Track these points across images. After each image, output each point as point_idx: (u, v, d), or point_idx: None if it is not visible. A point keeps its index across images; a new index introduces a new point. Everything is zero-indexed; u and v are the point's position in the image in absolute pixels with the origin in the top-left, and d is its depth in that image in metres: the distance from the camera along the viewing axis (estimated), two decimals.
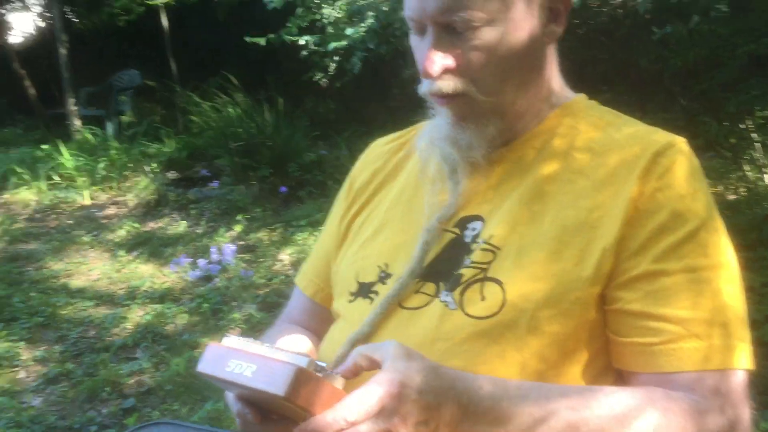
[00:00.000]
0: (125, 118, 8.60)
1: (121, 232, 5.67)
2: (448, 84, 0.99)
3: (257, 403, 0.89)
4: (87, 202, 6.51)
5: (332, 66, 4.83)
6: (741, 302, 0.94)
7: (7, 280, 4.69)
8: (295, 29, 4.66)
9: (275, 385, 0.77)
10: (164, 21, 8.22)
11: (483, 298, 0.97)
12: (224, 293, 4.27)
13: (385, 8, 4.10)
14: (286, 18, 4.77)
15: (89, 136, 7.58)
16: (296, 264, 4.55)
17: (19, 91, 10.37)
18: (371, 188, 1.22)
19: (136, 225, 5.81)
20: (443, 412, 0.83)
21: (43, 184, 6.70)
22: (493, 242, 1.00)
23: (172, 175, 6.79)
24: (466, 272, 1.00)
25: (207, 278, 4.50)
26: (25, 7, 12.30)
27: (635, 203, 0.95)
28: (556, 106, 1.09)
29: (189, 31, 9.51)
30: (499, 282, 0.97)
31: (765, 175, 4.42)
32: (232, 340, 0.87)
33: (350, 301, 1.12)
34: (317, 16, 4.65)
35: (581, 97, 1.12)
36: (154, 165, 6.92)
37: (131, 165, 6.97)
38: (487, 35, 0.97)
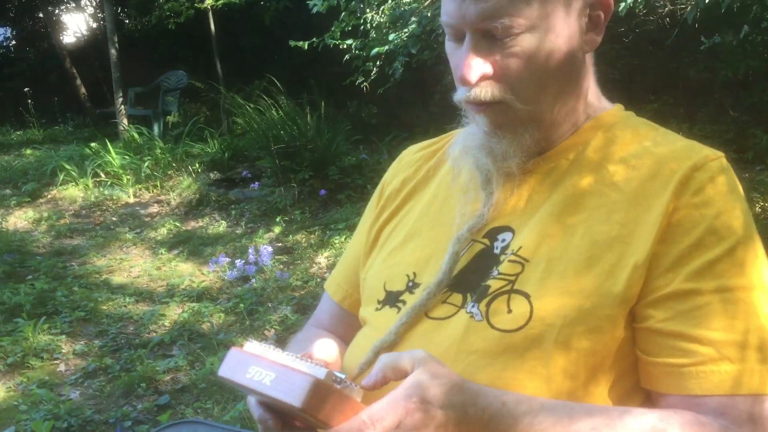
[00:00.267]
0: (171, 119, 8.76)
1: (163, 231, 5.77)
2: (486, 91, 0.97)
3: (278, 410, 0.89)
4: (131, 199, 6.64)
5: (374, 70, 4.84)
6: None
7: (51, 274, 4.81)
8: (339, 33, 4.69)
9: (293, 395, 0.77)
10: (212, 24, 8.34)
11: (509, 311, 0.95)
12: (260, 294, 4.30)
13: (428, 13, 4.09)
14: (330, 22, 4.81)
15: (136, 136, 7.74)
16: (332, 267, 4.56)
17: (71, 90, 10.69)
18: (402, 196, 1.21)
19: (178, 224, 5.90)
20: (463, 427, 0.81)
21: (89, 181, 6.86)
22: (522, 254, 0.98)
23: (214, 175, 6.88)
24: (494, 284, 0.98)
25: (244, 278, 4.55)
26: (79, 8, 12.62)
27: (669, 218, 0.92)
28: (592, 117, 1.06)
29: (235, 34, 9.67)
30: (526, 295, 0.95)
31: None
32: (254, 346, 0.87)
33: (377, 309, 1.11)
34: (360, 21, 4.67)
35: (618, 108, 1.09)
36: (197, 165, 7.03)
37: (175, 165, 7.09)
38: (527, 42, 0.95)
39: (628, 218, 0.94)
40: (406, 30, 4.20)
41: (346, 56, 4.85)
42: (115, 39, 8.44)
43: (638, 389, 0.94)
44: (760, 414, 0.86)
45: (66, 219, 6.20)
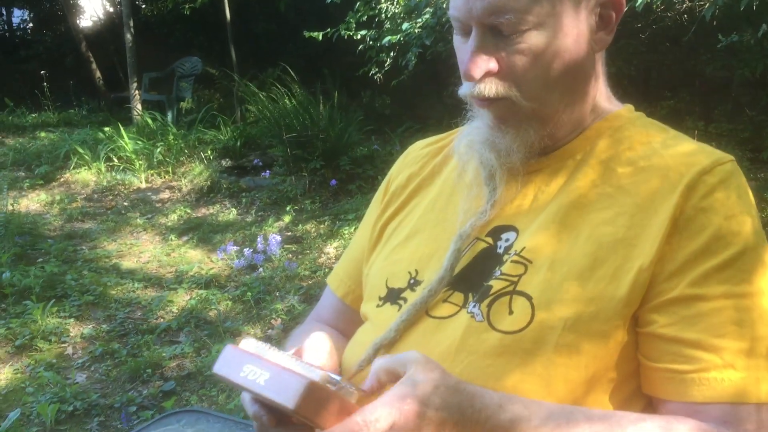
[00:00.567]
0: (185, 105, 8.77)
1: (174, 217, 5.79)
2: (491, 88, 0.96)
3: (272, 408, 0.88)
4: (143, 185, 6.66)
5: (388, 61, 4.82)
6: None
7: (62, 258, 4.84)
8: (353, 24, 4.67)
9: (286, 396, 0.76)
10: (227, 10, 8.34)
11: (511, 312, 0.94)
12: (268, 283, 4.31)
13: (443, 4, 4.06)
14: (345, 10, 4.79)
15: (149, 121, 7.75)
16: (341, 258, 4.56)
17: (86, 74, 10.71)
18: (407, 192, 1.20)
19: (188, 210, 5.92)
20: (459, 429, 0.80)
21: (102, 166, 6.89)
22: (526, 255, 0.97)
23: (226, 162, 6.89)
24: (496, 284, 0.97)
25: (252, 267, 4.55)
26: None
27: (675, 222, 0.90)
28: (601, 117, 1.04)
29: (250, 20, 9.66)
30: (528, 296, 0.94)
31: None
32: (250, 344, 0.87)
33: (378, 306, 1.10)
34: (375, 11, 4.64)
35: (627, 109, 1.07)
36: (209, 152, 7.04)
37: (187, 151, 7.11)
38: (534, 39, 0.93)
39: (635, 221, 0.92)
40: (419, 20, 4.17)
41: (360, 46, 4.82)
42: (131, 24, 8.45)
43: (639, 394, 0.93)
44: (764, 423, 0.84)
45: (78, 203, 6.24)
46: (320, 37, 4.77)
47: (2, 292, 4.11)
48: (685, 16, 3.81)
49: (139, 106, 8.44)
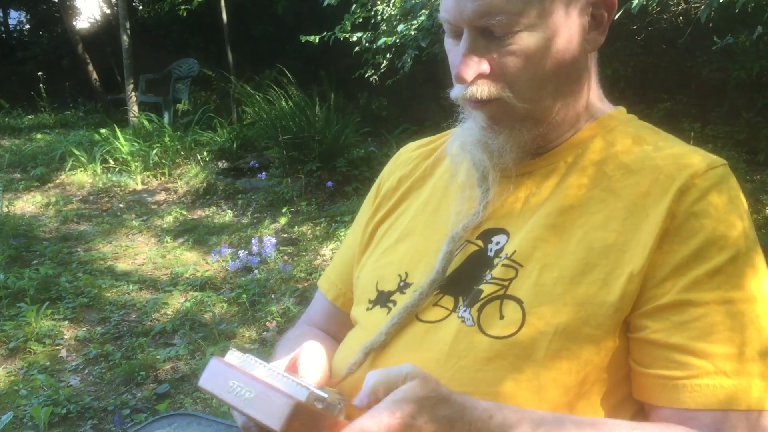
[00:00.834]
0: (181, 106, 8.75)
1: (169, 219, 5.77)
2: (482, 89, 0.95)
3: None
4: (139, 187, 6.65)
5: (384, 63, 4.81)
6: None
7: (56, 260, 4.82)
8: (349, 26, 4.66)
9: (272, 418, 0.76)
10: (224, 12, 8.33)
11: (501, 317, 0.93)
12: (263, 285, 4.29)
13: (438, 7, 4.05)
14: (342, 13, 4.78)
15: (145, 122, 7.74)
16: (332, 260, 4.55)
17: (82, 76, 10.71)
18: (398, 194, 1.19)
19: (184, 212, 5.90)
20: None
21: (98, 167, 6.87)
22: (516, 258, 0.96)
23: (222, 164, 6.88)
24: (486, 288, 0.96)
25: (247, 269, 4.54)
26: None
27: (667, 226, 0.89)
28: (593, 119, 1.03)
29: (247, 23, 9.65)
30: (519, 301, 0.93)
31: None
32: (235, 357, 0.86)
33: (368, 309, 1.09)
34: (371, 13, 4.64)
35: (620, 111, 1.06)
36: (206, 154, 7.03)
37: (183, 153, 7.09)
38: (526, 40, 0.92)
39: (626, 226, 0.91)
40: (415, 22, 4.16)
41: (356, 48, 4.82)
42: (128, 25, 8.43)
43: (631, 400, 0.92)
44: (757, 429, 0.83)
45: (73, 204, 6.22)
46: (316, 41, 4.76)
47: None
48: (681, 18, 3.81)
49: (136, 108, 8.43)
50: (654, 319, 0.88)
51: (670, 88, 6.75)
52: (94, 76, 10.70)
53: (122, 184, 6.65)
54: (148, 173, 6.83)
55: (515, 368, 0.90)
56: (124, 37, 8.39)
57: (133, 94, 8.49)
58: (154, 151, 6.96)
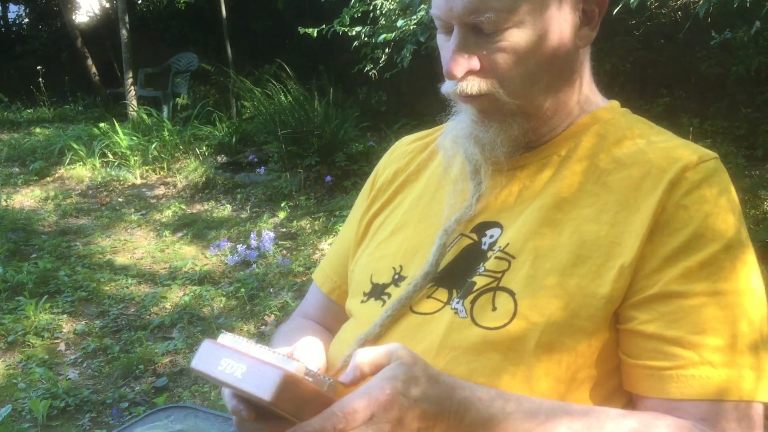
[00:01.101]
0: (180, 101, 8.74)
1: (168, 213, 5.78)
2: (473, 85, 0.96)
3: (251, 402, 0.87)
4: (138, 181, 6.65)
5: (383, 58, 4.81)
6: (763, 330, 0.88)
7: (55, 254, 4.82)
8: (348, 20, 4.66)
9: (263, 389, 0.76)
10: (223, 6, 8.31)
11: (494, 309, 0.94)
12: (262, 279, 4.30)
13: None
14: (342, 7, 4.77)
15: (144, 117, 7.74)
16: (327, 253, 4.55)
17: (82, 70, 10.70)
18: (393, 188, 1.20)
19: (183, 206, 5.91)
20: (439, 421, 0.80)
21: (97, 162, 6.87)
22: (509, 251, 0.97)
23: (221, 158, 6.88)
24: (480, 280, 0.97)
25: (246, 263, 4.55)
26: None
27: (657, 219, 0.90)
28: (587, 112, 1.04)
29: (247, 17, 9.63)
30: (511, 293, 0.93)
31: None
32: (227, 338, 0.86)
33: (363, 302, 1.10)
34: (370, 8, 4.63)
35: (613, 105, 1.07)
36: (205, 148, 7.03)
37: (182, 147, 7.09)
38: (515, 37, 0.93)
39: (618, 219, 0.92)
40: (414, 17, 4.16)
41: (355, 43, 4.81)
42: (127, 19, 8.42)
43: (621, 391, 0.93)
44: (741, 420, 0.84)
45: (72, 198, 6.22)
46: (315, 34, 4.75)
47: None
48: (680, 13, 3.81)
49: (135, 102, 8.42)
50: (642, 310, 0.88)
51: (669, 83, 6.75)
52: (93, 70, 10.69)
53: (121, 178, 6.65)
54: (147, 167, 6.83)
55: (507, 359, 0.91)
56: (123, 31, 8.38)
57: (132, 88, 8.49)
58: (153, 146, 6.96)
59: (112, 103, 9.67)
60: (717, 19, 3.86)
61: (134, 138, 7.14)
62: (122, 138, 7.01)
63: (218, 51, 9.20)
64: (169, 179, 6.65)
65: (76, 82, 10.55)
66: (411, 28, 4.19)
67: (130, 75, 8.46)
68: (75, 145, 7.02)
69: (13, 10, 13.66)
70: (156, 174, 6.79)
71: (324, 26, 4.83)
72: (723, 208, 0.90)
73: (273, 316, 3.84)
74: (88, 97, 10.29)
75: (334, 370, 1.07)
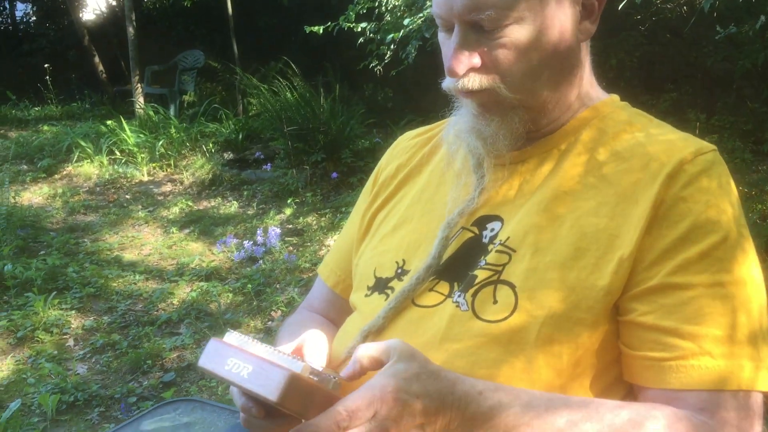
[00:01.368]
0: (187, 98, 8.76)
1: (175, 209, 5.81)
2: (474, 81, 0.97)
3: (259, 400, 0.89)
4: (145, 178, 6.68)
5: (388, 54, 4.81)
6: (762, 321, 0.89)
7: (63, 250, 4.86)
8: (353, 16, 4.66)
9: (269, 389, 0.78)
10: (229, 3, 8.33)
11: (495, 301, 0.95)
12: (268, 275, 4.32)
13: None
14: (348, 4, 4.78)
15: (151, 114, 7.76)
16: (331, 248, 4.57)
17: (89, 67, 10.74)
18: (396, 182, 1.21)
19: (190, 203, 5.93)
20: (441, 416, 0.81)
21: (104, 159, 6.91)
22: (510, 244, 0.98)
23: (227, 155, 6.90)
24: (481, 273, 0.98)
25: (253, 259, 4.57)
26: None
27: (656, 211, 0.90)
28: (587, 106, 1.05)
29: (253, 15, 9.64)
30: (512, 285, 0.94)
31: None
32: (233, 337, 0.88)
33: (366, 295, 1.11)
34: (375, 4, 4.64)
35: (613, 98, 1.08)
36: (211, 145, 7.05)
37: (189, 144, 7.12)
38: (515, 33, 0.94)
39: (617, 212, 0.93)
40: (421, 15, 4.16)
41: (360, 39, 4.82)
42: (133, 17, 8.45)
43: (621, 382, 0.94)
44: (740, 410, 0.85)
45: (80, 196, 6.26)
46: (321, 31, 4.76)
47: (4, 285, 4.13)
48: (685, 8, 3.80)
49: (142, 100, 8.45)
50: (642, 302, 0.89)
51: (675, 78, 6.73)
52: (101, 67, 10.73)
53: (128, 175, 6.69)
54: (154, 164, 6.86)
55: (508, 351, 0.92)
56: (130, 29, 8.41)
57: (139, 85, 8.51)
58: (160, 143, 6.99)
59: (119, 101, 9.70)
60: (723, 14, 3.85)
61: (141, 135, 7.18)
62: (129, 135, 7.04)
63: (224, 48, 9.22)
64: (176, 176, 6.68)
65: (84, 79, 10.59)
66: (417, 24, 4.20)
67: (137, 72, 8.49)
68: (83, 143, 7.06)
69: (21, 9, 13.71)
70: (163, 171, 6.82)
71: (329, 23, 4.85)
72: (722, 199, 0.91)
73: (279, 312, 3.86)
74: (96, 94, 10.33)
75: (337, 362, 1.08)
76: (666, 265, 0.89)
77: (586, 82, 1.05)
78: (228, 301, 4.04)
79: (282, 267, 4.41)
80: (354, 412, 0.77)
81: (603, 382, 0.93)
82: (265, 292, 4.11)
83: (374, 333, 1.04)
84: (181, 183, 6.50)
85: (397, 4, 4.54)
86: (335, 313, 1.26)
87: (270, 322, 3.78)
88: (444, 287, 1.01)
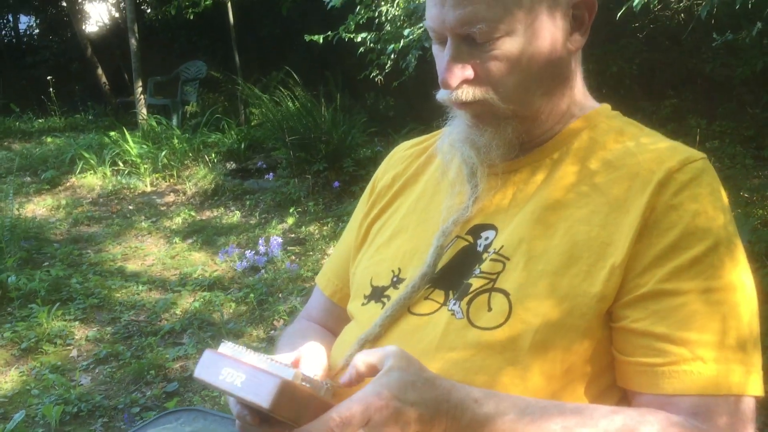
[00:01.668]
0: (189, 108, 8.81)
1: (178, 220, 5.83)
2: (467, 93, 0.99)
3: (254, 408, 0.90)
4: (148, 188, 6.71)
5: (389, 64, 4.84)
6: (753, 326, 0.90)
7: (67, 261, 4.88)
8: (353, 26, 4.69)
9: (261, 396, 0.79)
10: (230, 14, 8.38)
11: (489, 309, 0.96)
12: (271, 284, 4.33)
13: None
14: (348, 13, 4.81)
15: (154, 125, 7.80)
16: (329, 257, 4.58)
17: (92, 79, 10.80)
18: (392, 192, 1.23)
19: (193, 213, 5.96)
20: (436, 424, 0.82)
21: (107, 170, 6.94)
22: (504, 252, 0.99)
23: (230, 165, 6.93)
24: (475, 282, 0.99)
25: (255, 269, 4.58)
26: None
27: (646, 219, 0.92)
28: (578, 116, 1.07)
29: (254, 25, 9.70)
30: (506, 293, 0.96)
31: None
32: (228, 348, 0.89)
33: (363, 304, 1.13)
34: (375, 14, 4.67)
35: (604, 108, 1.10)
36: (214, 155, 7.08)
37: (192, 154, 7.15)
38: (507, 45, 0.96)
39: (609, 220, 0.94)
40: (420, 25, 4.19)
41: (361, 49, 4.85)
42: (136, 29, 8.51)
43: (614, 388, 0.95)
44: (732, 415, 0.86)
45: (83, 207, 6.28)
46: (321, 41, 4.80)
47: (8, 296, 4.14)
48: (683, 15, 3.82)
49: (144, 111, 8.50)
50: (634, 308, 0.91)
51: (676, 85, 6.75)
52: (103, 79, 10.80)
53: (131, 186, 6.72)
54: (157, 175, 6.89)
55: (503, 359, 0.93)
56: (133, 41, 8.47)
57: (141, 96, 8.56)
58: (163, 153, 7.02)
59: (122, 112, 9.76)
60: (721, 21, 3.86)
61: (144, 146, 7.21)
62: (132, 146, 7.08)
63: (226, 59, 9.27)
64: (178, 186, 6.71)
65: (87, 91, 10.66)
66: (417, 34, 4.22)
67: (140, 84, 8.54)
68: (86, 154, 7.09)
69: (24, 21, 13.80)
70: (166, 181, 6.85)
71: (330, 33, 4.88)
72: (712, 206, 0.93)
73: (282, 321, 3.87)
74: (99, 106, 10.39)
75: (335, 371, 1.09)
76: (657, 273, 0.90)
77: (578, 92, 1.07)
78: (231, 311, 4.06)
79: (284, 276, 4.42)
80: (348, 419, 0.78)
81: (596, 388, 0.94)
82: (268, 302, 4.12)
83: (371, 341, 1.06)
84: (184, 193, 6.52)
85: (396, 14, 4.57)
86: (333, 322, 1.28)
87: (273, 332, 3.79)
88: (439, 295, 1.03)
